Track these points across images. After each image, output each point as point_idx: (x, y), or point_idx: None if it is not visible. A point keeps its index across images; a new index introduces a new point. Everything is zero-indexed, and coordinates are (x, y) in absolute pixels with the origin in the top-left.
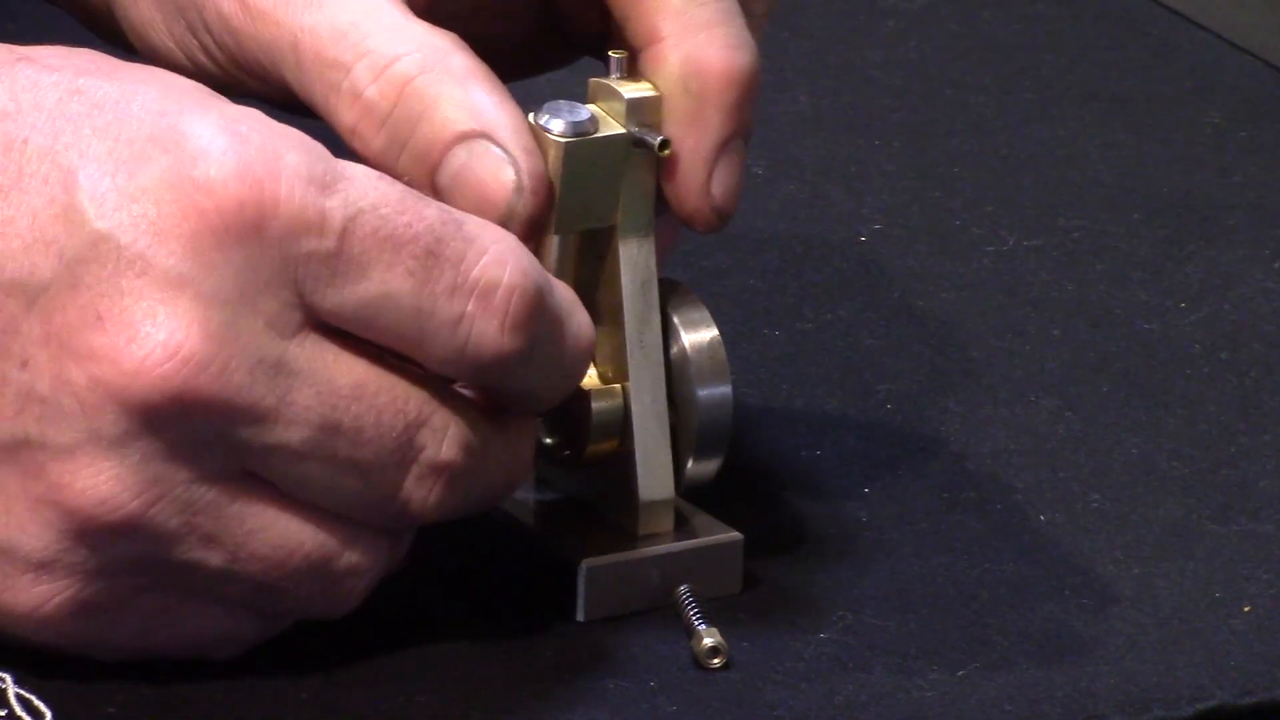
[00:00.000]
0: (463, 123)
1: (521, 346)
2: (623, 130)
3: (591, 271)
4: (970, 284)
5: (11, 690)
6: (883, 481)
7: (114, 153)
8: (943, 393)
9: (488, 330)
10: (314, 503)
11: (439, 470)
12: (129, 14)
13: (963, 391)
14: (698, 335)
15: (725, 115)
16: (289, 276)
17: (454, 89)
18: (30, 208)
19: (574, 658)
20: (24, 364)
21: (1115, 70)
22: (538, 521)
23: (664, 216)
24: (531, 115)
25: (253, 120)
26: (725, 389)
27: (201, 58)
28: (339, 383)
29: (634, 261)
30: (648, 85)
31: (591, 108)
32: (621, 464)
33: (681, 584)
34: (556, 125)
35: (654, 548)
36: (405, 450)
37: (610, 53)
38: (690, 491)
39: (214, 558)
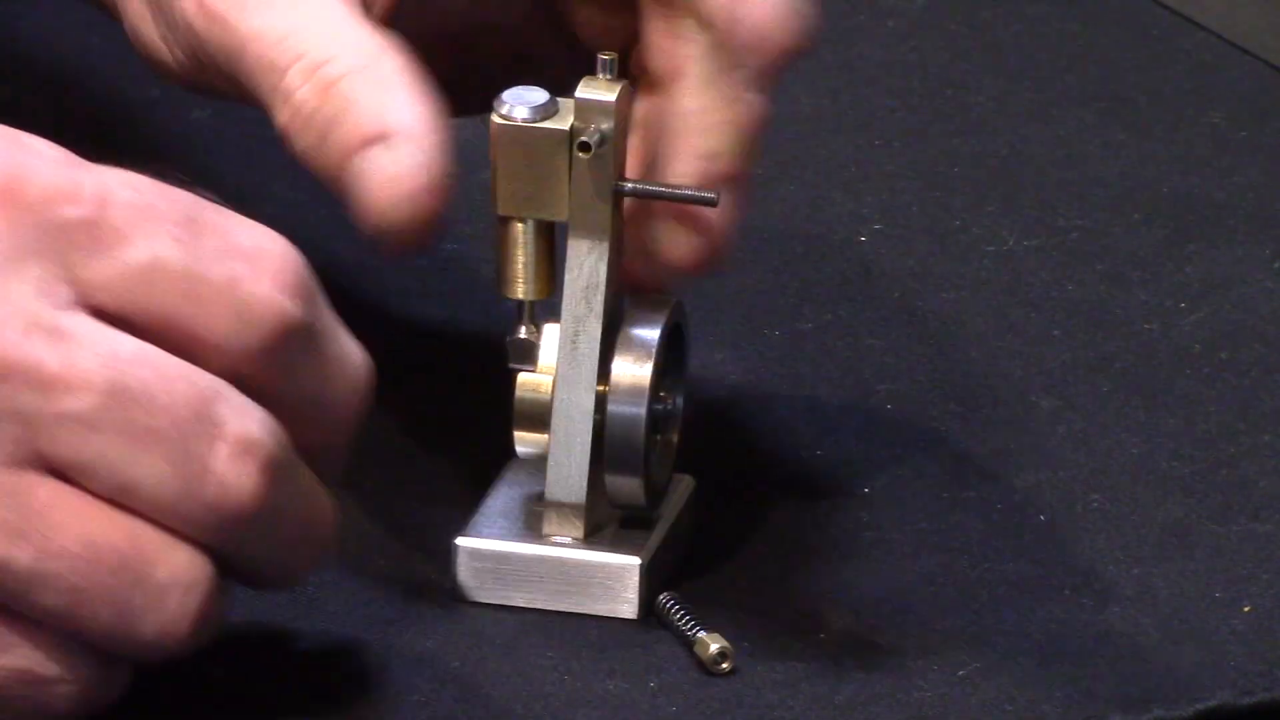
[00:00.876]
0: (371, 125)
1: (301, 314)
2: (563, 127)
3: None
4: (970, 284)
5: None
6: (883, 481)
7: None
8: (943, 393)
9: (260, 291)
10: (121, 491)
11: (249, 447)
12: (127, 10)
13: (963, 391)
14: (628, 353)
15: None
16: (52, 247)
17: (373, 91)
18: None
19: (574, 658)
20: None
21: (1115, 70)
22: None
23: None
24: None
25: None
26: (638, 410)
27: (181, 56)
28: (122, 350)
29: (581, 263)
30: (625, 87)
31: (565, 101)
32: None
33: (578, 596)
34: (502, 107)
35: (539, 546)
36: (204, 421)
37: (599, 55)
38: (691, 494)
39: (21, 554)
